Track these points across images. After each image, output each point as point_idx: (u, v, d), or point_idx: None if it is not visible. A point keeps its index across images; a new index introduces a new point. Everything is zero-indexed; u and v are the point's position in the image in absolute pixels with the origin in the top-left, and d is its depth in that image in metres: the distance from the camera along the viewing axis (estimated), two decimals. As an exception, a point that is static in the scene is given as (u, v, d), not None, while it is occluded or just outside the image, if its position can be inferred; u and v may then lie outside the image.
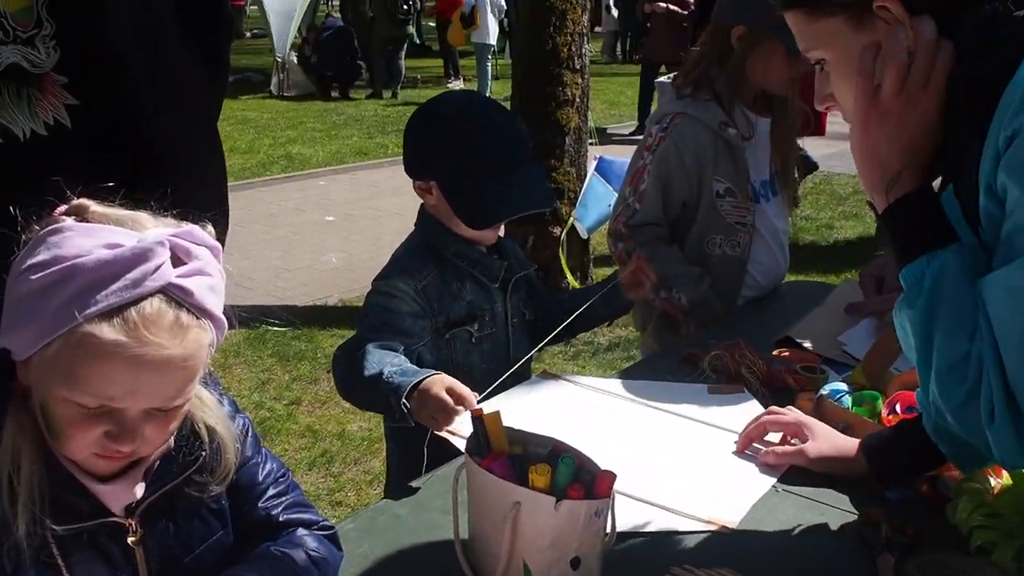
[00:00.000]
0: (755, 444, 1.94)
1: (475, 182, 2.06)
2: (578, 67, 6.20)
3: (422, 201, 2.21)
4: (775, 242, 2.88)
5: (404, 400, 1.81)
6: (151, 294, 1.17)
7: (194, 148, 2.22)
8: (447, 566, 1.55)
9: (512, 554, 1.42)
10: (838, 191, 9.51)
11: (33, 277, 1.17)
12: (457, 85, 17.29)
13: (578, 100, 6.25)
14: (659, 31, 12.02)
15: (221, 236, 1.54)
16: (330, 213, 8.71)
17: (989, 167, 1.24)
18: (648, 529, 1.69)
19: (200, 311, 1.22)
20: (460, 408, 1.76)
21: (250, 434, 1.47)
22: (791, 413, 1.91)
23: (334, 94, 16.10)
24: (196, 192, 1.76)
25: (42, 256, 1.18)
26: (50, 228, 1.21)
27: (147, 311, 1.17)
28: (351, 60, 15.96)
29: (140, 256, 1.17)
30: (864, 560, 1.58)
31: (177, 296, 1.20)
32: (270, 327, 5.72)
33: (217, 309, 1.26)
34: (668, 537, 1.68)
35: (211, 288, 1.24)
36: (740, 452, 1.94)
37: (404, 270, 2.14)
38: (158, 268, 1.17)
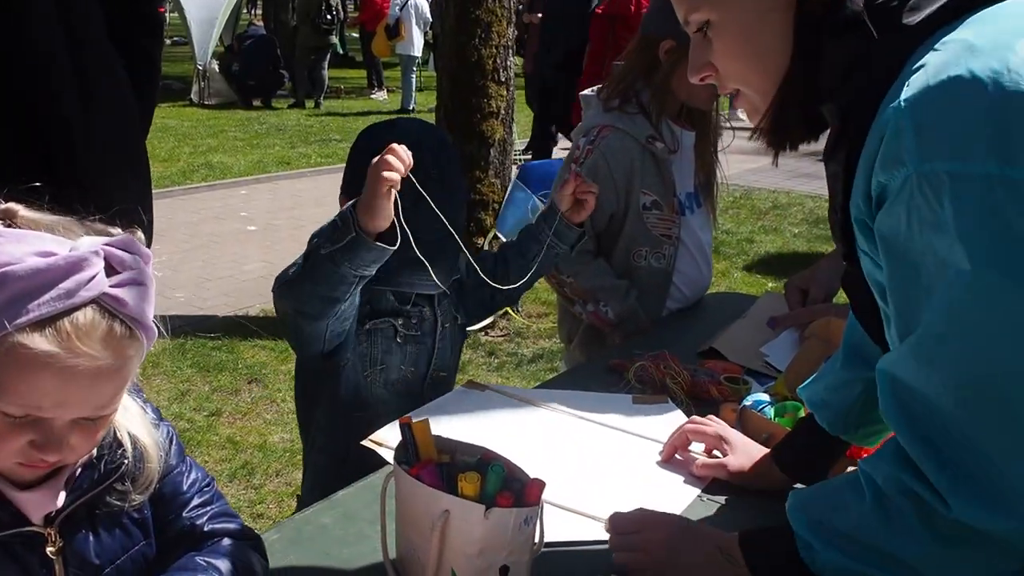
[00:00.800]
0: (679, 455, 1.96)
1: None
2: (503, 79, 6.24)
3: None
4: (700, 254, 2.92)
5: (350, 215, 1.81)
6: (85, 304, 1.14)
7: (120, 152, 2.18)
8: (377, 575, 1.54)
9: (440, 563, 1.41)
10: (758, 206, 9.68)
11: None
12: (380, 96, 17.24)
13: (503, 112, 6.28)
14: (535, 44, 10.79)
15: (146, 244, 1.51)
16: (252, 223, 8.60)
17: (863, 206, 1.24)
18: (576, 538, 1.70)
19: (133, 321, 1.19)
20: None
21: (174, 443, 1.44)
22: (712, 425, 1.93)
23: (256, 103, 15.92)
24: (120, 199, 1.73)
25: None
26: None
27: (80, 321, 1.14)
28: (273, 69, 15.80)
29: (75, 265, 1.13)
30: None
31: (111, 306, 1.17)
32: (192, 337, 5.62)
33: (149, 318, 1.23)
34: (596, 546, 1.69)
35: (143, 298, 1.21)
36: (665, 461, 1.96)
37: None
38: (92, 278, 1.14)
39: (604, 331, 2.84)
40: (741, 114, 1.65)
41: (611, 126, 2.74)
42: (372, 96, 17.40)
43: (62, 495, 1.29)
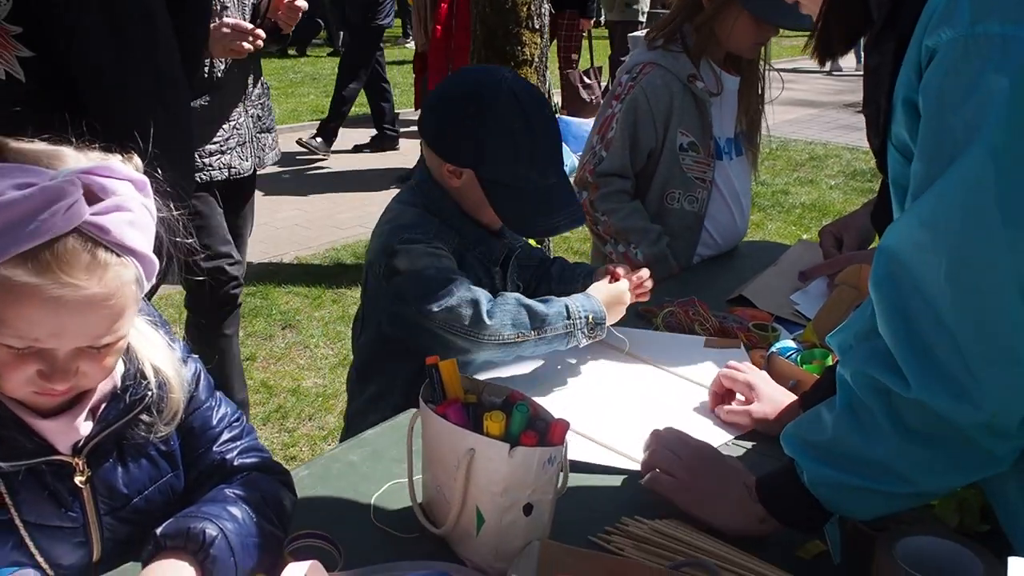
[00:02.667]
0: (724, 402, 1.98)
1: (523, 187, 2.02)
2: (537, 27, 6.16)
3: (420, 168, 2.14)
4: (734, 202, 2.91)
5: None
6: (65, 234, 1.15)
7: (160, 107, 2.17)
8: (403, 513, 1.56)
9: (466, 500, 1.43)
10: (794, 157, 9.57)
11: None
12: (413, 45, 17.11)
13: (536, 60, 6.21)
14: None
15: (186, 192, 1.53)
16: (286, 172, 8.62)
17: (913, 78, 1.23)
18: (602, 472, 1.72)
19: (120, 248, 1.20)
20: None
21: (203, 378, 1.47)
22: (744, 373, 1.94)
23: (291, 52, 15.86)
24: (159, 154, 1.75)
25: None
26: None
27: (60, 251, 1.15)
28: (308, 17, 15.68)
29: (51, 196, 1.14)
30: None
31: (93, 234, 1.17)
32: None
33: (141, 244, 1.24)
34: (620, 487, 1.71)
35: (131, 223, 1.21)
36: (711, 409, 1.98)
37: (426, 233, 2.05)
38: (71, 207, 1.15)
39: None
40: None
41: (654, 63, 2.75)
42: (406, 45, 17.29)
43: (88, 425, 1.33)
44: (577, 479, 1.53)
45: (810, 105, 11.34)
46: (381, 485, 1.65)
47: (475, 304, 1.96)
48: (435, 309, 1.95)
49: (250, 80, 3.47)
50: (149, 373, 1.37)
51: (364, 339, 2.19)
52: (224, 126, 3.36)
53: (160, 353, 1.39)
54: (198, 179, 3.21)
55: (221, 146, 3.35)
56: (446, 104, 2.08)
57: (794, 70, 13.28)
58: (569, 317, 2.01)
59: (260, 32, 3.20)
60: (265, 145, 3.59)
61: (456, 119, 2.03)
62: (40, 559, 1.34)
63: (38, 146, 1.23)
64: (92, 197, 1.19)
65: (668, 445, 1.68)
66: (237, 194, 3.58)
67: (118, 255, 1.20)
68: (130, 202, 1.22)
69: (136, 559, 1.39)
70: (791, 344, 2.12)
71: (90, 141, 1.28)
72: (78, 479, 1.33)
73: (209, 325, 3.51)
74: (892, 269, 1.22)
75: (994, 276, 1.13)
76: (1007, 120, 1.10)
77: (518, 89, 2.02)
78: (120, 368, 1.36)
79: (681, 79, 2.72)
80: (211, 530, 1.29)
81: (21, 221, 1.13)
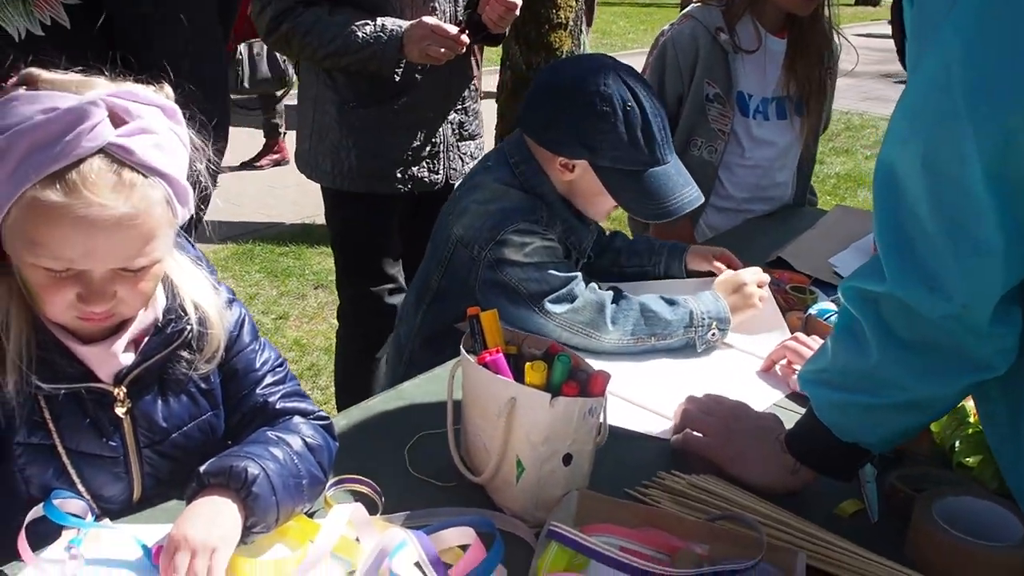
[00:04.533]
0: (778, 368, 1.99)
1: (641, 171, 1.99)
2: (572, -11, 6.12)
3: (516, 148, 2.08)
4: (762, 159, 2.88)
5: None
6: (90, 155, 1.18)
7: (198, 56, 2.17)
8: (441, 462, 1.57)
9: (506, 449, 1.44)
10: (830, 127, 9.45)
11: None
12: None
13: (571, 24, 6.17)
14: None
15: (221, 147, 1.53)
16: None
17: None
18: (639, 430, 1.72)
19: (146, 168, 1.22)
20: None
21: (247, 322, 1.48)
22: (812, 347, 1.92)
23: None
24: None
25: None
26: (3, 99, 1.22)
27: (86, 172, 1.18)
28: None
29: (75, 118, 1.17)
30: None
31: (118, 155, 1.20)
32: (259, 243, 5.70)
33: (169, 167, 1.25)
34: (655, 446, 1.71)
35: (157, 146, 1.24)
36: (764, 370, 1.99)
37: (539, 222, 2.01)
38: (94, 128, 1.18)
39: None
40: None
41: (689, 15, 2.80)
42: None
43: (129, 356, 1.35)
44: (613, 436, 1.53)
45: (847, 75, 11.17)
46: (419, 435, 1.66)
47: (600, 308, 1.96)
48: (558, 310, 1.95)
49: (453, 81, 3.02)
50: (189, 309, 1.38)
51: (437, 310, 2.14)
52: (416, 133, 2.96)
53: (201, 290, 1.41)
54: (372, 191, 2.97)
55: (408, 156, 2.96)
56: (552, 96, 2.04)
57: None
58: (691, 324, 2.01)
59: (464, 39, 2.76)
60: (465, 154, 3.12)
61: (565, 111, 2.00)
62: (81, 488, 1.37)
63: (70, 76, 1.26)
64: (117, 120, 1.21)
65: (701, 405, 1.69)
66: (423, 211, 3.06)
67: (144, 176, 1.23)
68: (156, 126, 1.24)
69: (177, 497, 1.41)
70: (830, 306, 2.10)
71: (124, 73, 1.29)
72: (118, 409, 1.36)
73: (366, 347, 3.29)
74: (883, 173, 1.24)
75: (961, 166, 1.13)
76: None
77: (623, 72, 2.00)
78: (161, 301, 1.37)
79: (710, 30, 2.74)
80: (253, 469, 1.30)
81: (47, 143, 1.17)
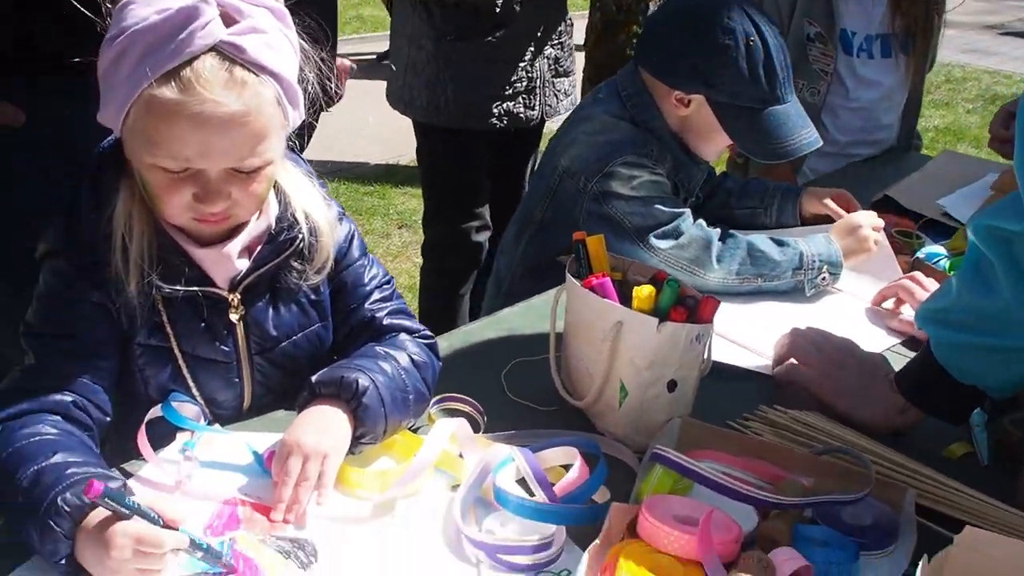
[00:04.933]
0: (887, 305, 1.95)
1: (760, 109, 1.94)
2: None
3: (628, 80, 2.04)
4: (867, 100, 2.80)
5: None
6: (203, 52, 1.20)
7: None
8: (539, 388, 1.57)
9: (610, 374, 1.43)
10: (930, 79, 9.10)
11: (106, 53, 1.23)
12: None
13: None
14: None
15: (331, 54, 1.53)
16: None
17: None
18: (743, 366, 1.71)
19: (257, 67, 1.24)
20: None
21: (356, 237, 1.50)
22: (927, 288, 1.87)
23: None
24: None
25: (111, 31, 1.23)
26: (120, 3, 1.24)
27: (199, 69, 1.20)
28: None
29: (187, 16, 1.19)
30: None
31: (230, 53, 1.22)
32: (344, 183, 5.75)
33: (280, 67, 1.27)
34: (758, 380, 1.70)
35: (267, 45, 1.25)
36: (873, 304, 1.96)
37: (648, 156, 1.98)
38: (206, 26, 1.20)
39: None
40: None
41: None
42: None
43: (244, 262, 1.37)
44: (713, 371, 1.51)
45: (948, 25, 10.81)
46: (519, 359, 1.67)
47: (707, 245, 1.93)
48: (662, 245, 1.92)
49: (550, 15, 2.97)
50: (301, 219, 1.40)
51: (539, 242, 2.13)
52: (513, 68, 2.91)
53: (312, 201, 1.42)
54: (466, 127, 2.94)
55: (505, 90, 2.92)
56: (672, 28, 2.00)
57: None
58: (801, 266, 1.97)
59: None
60: (560, 91, 3.09)
61: (684, 43, 1.95)
62: (196, 392, 1.40)
63: None
64: (228, 19, 1.23)
65: (807, 338, 1.66)
66: (515, 148, 3.16)
67: (256, 74, 1.24)
68: (267, 25, 1.26)
69: (286, 407, 1.43)
70: (939, 250, 2.05)
71: None
72: (232, 315, 1.39)
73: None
74: None
75: None
76: None
77: (747, 5, 1.95)
78: (274, 210, 1.39)
79: None
80: (364, 381, 1.32)
81: (161, 42, 1.19)
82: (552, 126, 2.66)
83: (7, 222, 1.61)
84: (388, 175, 6.00)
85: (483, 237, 3.19)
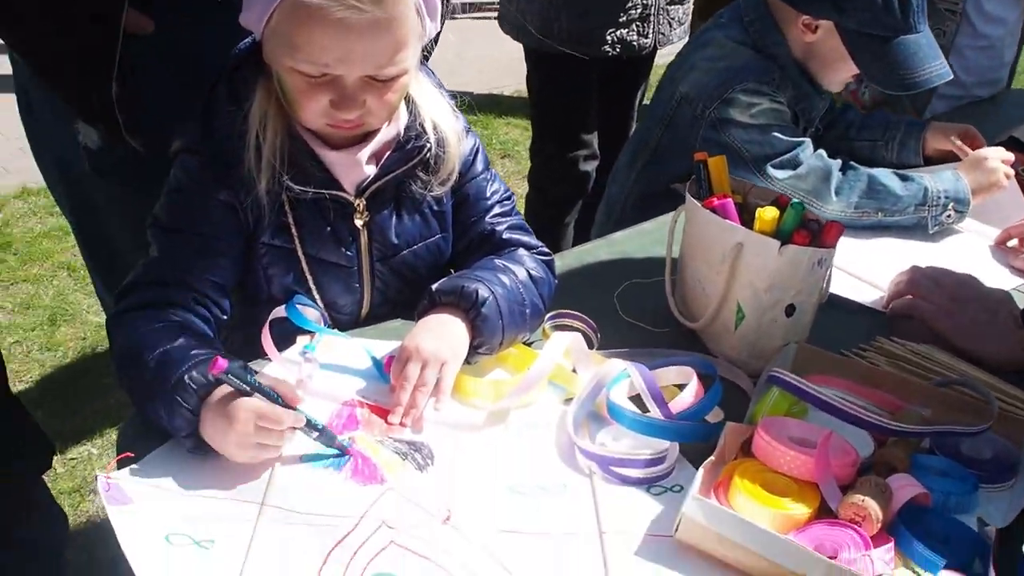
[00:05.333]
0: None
1: (889, 38, 1.87)
2: None
3: (751, 4, 2.00)
4: (994, 38, 2.68)
5: None
6: None
7: None
8: (651, 309, 1.57)
9: (727, 296, 1.42)
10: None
11: None
12: None
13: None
14: None
15: None
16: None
17: None
18: (858, 300, 1.68)
19: None
20: None
21: (481, 151, 1.50)
22: None
23: None
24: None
25: None
26: None
27: None
28: None
29: None
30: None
31: None
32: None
33: None
34: (875, 314, 1.67)
35: None
36: (998, 244, 1.91)
37: (769, 83, 1.94)
38: None
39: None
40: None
41: None
42: None
43: (371, 168, 1.39)
44: (829, 301, 1.49)
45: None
46: (632, 280, 1.67)
47: (826, 176, 1.89)
48: (780, 175, 1.89)
49: None
50: (428, 129, 1.41)
51: (653, 170, 2.11)
52: None
53: (441, 112, 1.43)
54: (578, 53, 2.87)
55: (619, 17, 2.86)
56: None
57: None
58: (925, 202, 1.91)
59: None
60: (674, 19, 3.01)
61: None
62: (317, 295, 1.44)
63: None
64: None
65: (928, 274, 1.62)
66: (626, 77, 3.12)
67: None
68: None
69: (404, 317, 1.46)
70: (1068, 188, 1.97)
71: None
72: (357, 220, 1.41)
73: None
74: None
75: None
76: None
77: None
78: (404, 118, 1.41)
79: None
80: (483, 291, 1.33)
81: None
82: (662, 60, 2.61)
83: (140, 126, 1.66)
84: (491, 105, 5.99)
85: (591, 167, 3.17)
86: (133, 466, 1.16)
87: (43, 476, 1.57)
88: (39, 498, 1.57)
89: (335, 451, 1.20)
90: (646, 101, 2.97)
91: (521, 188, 4.89)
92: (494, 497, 1.17)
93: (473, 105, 5.38)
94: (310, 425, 1.16)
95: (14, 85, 1.83)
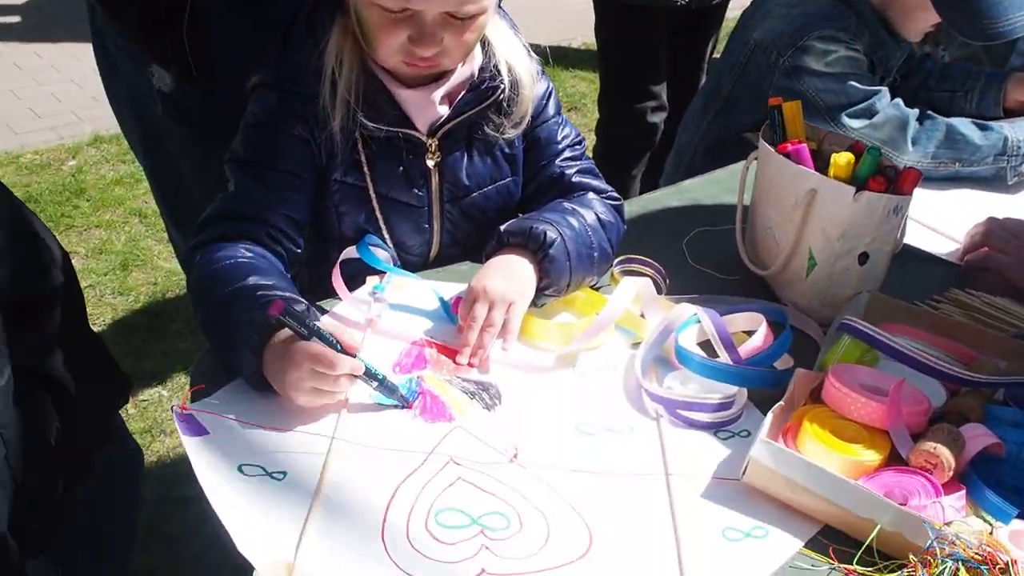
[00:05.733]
0: None
1: None
2: None
3: None
4: None
5: None
6: None
7: None
8: (720, 257, 1.56)
9: (799, 243, 1.40)
10: None
11: None
12: None
13: None
14: None
15: None
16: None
17: None
18: (932, 251, 1.65)
19: None
20: None
21: (554, 95, 1.49)
22: None
23: None
24: None
25: None
26: None
27: None
28: None
29: None
30: None
31: None
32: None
33: None
34: (948, 265, 1.64)
35: None
36: None
37: (846, 30, 1.89)
38: None
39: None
40: None
41: None
42: None
43: (444, 109, 1.39)
44: (903, 254, 1.46)
45: None
46: (702, 227, 1.65)
47: (902, 126, 1.85)
48: (855, 124, 1.85)
49: None
50: (503, 71, 1.40)
51: (725, 118, 2.09)
52: None
53: (516, 54, 1.43)
54: (648, 3, 2.83)
55: None
56: None
57: None
58: (1004, 152, 1.87)
59: None
60: None
61: None
62: (386, 235, 1.45)
63: None
64: None
65: (1005, 225, 1.59)
66: (696, 28, 3.08)
67: None
68: None
69: (472, 260, 1.47)
70: None
71: None
72: (429, 160, 1.42)
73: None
74: None
75: None
76: None
77: None
78: (478, 60, 1.40)
79: None
80: (552, 233, 1.33)
81: None
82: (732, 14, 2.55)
83: (212, 69, 1.68)
84: (558, 58, 5.93)
85: (658, 118, 3.14)
86: (207, 399, 1.18)
87: (118, 412, 1.61)
88: (117, 431, 1.61)
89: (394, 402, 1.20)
90: (716, 55, 2.93)
91: (588, 141, 4.87)
92: (561, 437, 1.18)
93: (540, 58, 5.34)
94: (370, 375, 1.16)
95: (90, 31, 1.86)
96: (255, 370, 1.15)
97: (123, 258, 3.37)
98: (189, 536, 2.17)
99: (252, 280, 1.22)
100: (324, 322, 1.17)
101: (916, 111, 1.88)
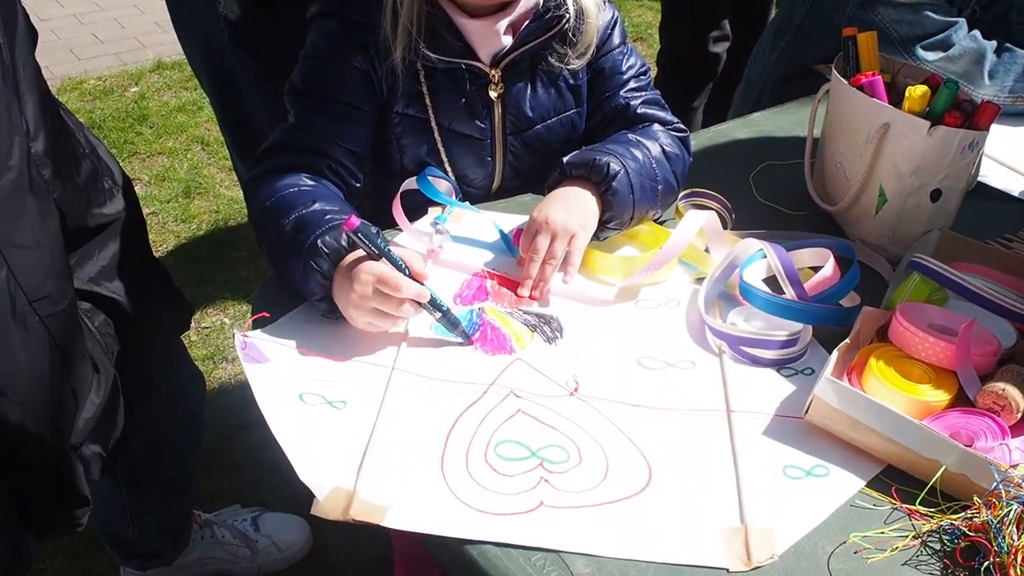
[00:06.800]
0: None
1: None
2: None
3: None
4: None
5: None
6: None
7: None
8: (788, 192, 1.53)
9: (870, 178, 1.37)
10: None
11: None
12: None
13: None
14: None
15: None
16: None
17: None
18: (1006, 189, 1.61)
19: None
20: None
21: (619, 24, 1.46)
22: None
23: None
24: None
25: None
26: None
27: None
28: None
29: None
30: None
31: None
32: None
33: None
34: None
35: None
36: None
37: None
38: None
39: None
40: None
41: None
42: None
43: (508, 39, 1.37)
44: (976, 191, 1.42)
45: None
46: (763, 164, 1.62)
47: (979, 59, 1.79)
48: (929, 57, 1.80)
49: None
50: (568, 0, 1.37)
51: (796, 49, 2.02)
52: None
53: None
54: None
55: None
56: None
57: None
58: None
59: None
60: None
61: None
62: (448, 167, 1.44)
63: None
64: None
65: None
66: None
67: None
68: None
69: (534, 192, 1.45)
70: None
71: None
72: (492, 92, 1.40)
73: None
74: None
75: None
76: None
77: None
78: None
79: None
80: (615, 165, 1.31)
81: None
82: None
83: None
84: None
85: (721, 48, 3.07)
86: (269, 326, 1.19)
87: (181, 338, 1.64)
88: (180, 356, 1.64)
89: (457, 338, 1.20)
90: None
91: (652, 72, 4.80)
92: (623, 371, 1.18)
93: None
94: (434, 304, 1.16)
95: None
96: (325, 293, 1.16)
97: (185, 185, 3.41)
98: (251, 463, 2.21)
99: (318, 205, 1.22)
100: (396, 250, 1.17)
101: (994, 43, 1.82)
